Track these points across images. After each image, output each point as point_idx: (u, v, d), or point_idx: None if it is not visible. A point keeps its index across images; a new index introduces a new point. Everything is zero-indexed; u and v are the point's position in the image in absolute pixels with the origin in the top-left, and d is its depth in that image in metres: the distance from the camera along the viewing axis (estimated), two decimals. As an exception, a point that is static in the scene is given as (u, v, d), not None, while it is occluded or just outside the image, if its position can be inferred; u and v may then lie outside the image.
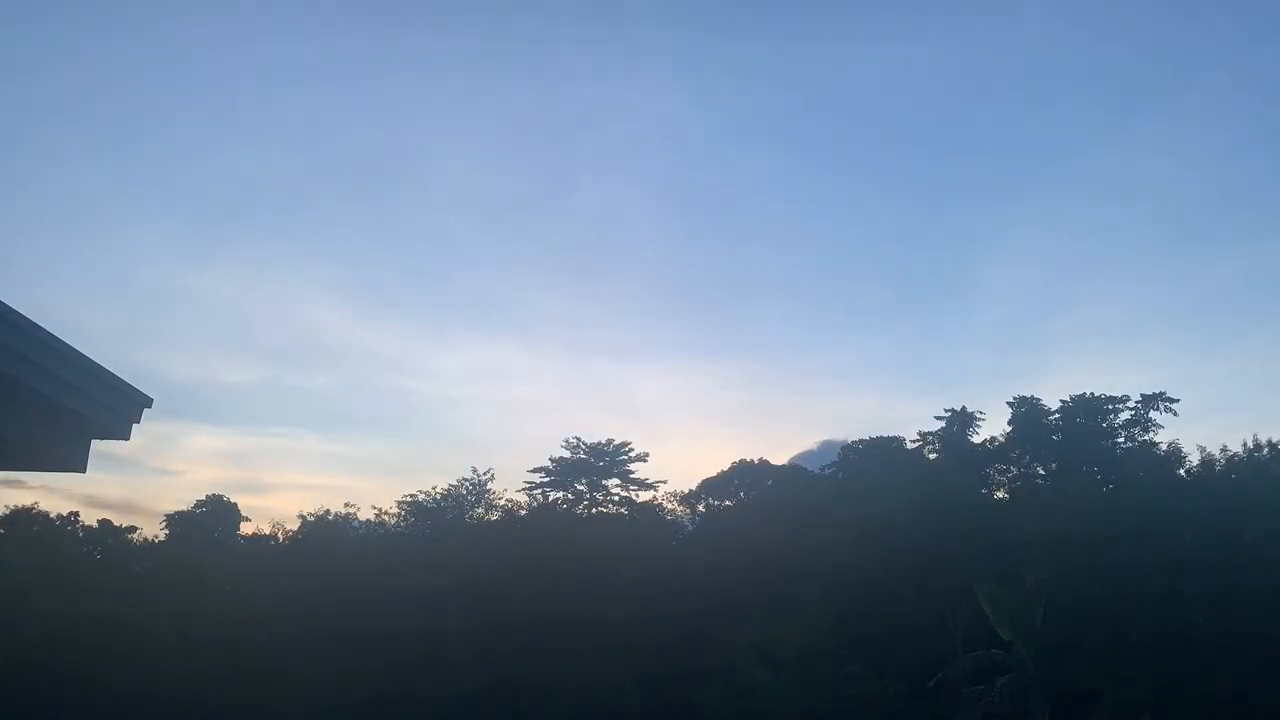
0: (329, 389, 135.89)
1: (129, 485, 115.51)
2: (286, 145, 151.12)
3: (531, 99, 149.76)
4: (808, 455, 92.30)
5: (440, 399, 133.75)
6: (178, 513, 71.87)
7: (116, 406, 6.09)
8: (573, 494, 69.01)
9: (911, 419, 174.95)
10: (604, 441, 69.09)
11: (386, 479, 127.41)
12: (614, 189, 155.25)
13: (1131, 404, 65.31)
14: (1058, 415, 66.35)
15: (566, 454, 68.89)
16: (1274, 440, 56.81)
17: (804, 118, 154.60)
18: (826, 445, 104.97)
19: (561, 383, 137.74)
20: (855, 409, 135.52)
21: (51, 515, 69.21)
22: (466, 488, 68.80)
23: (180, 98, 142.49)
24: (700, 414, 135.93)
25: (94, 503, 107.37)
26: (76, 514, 71.56)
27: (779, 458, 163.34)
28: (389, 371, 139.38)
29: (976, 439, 68.68)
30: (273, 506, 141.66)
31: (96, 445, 6.40)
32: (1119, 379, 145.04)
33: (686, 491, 72.94)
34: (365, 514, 70.57)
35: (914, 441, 70.58)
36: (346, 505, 71.96)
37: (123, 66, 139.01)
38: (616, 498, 69.27)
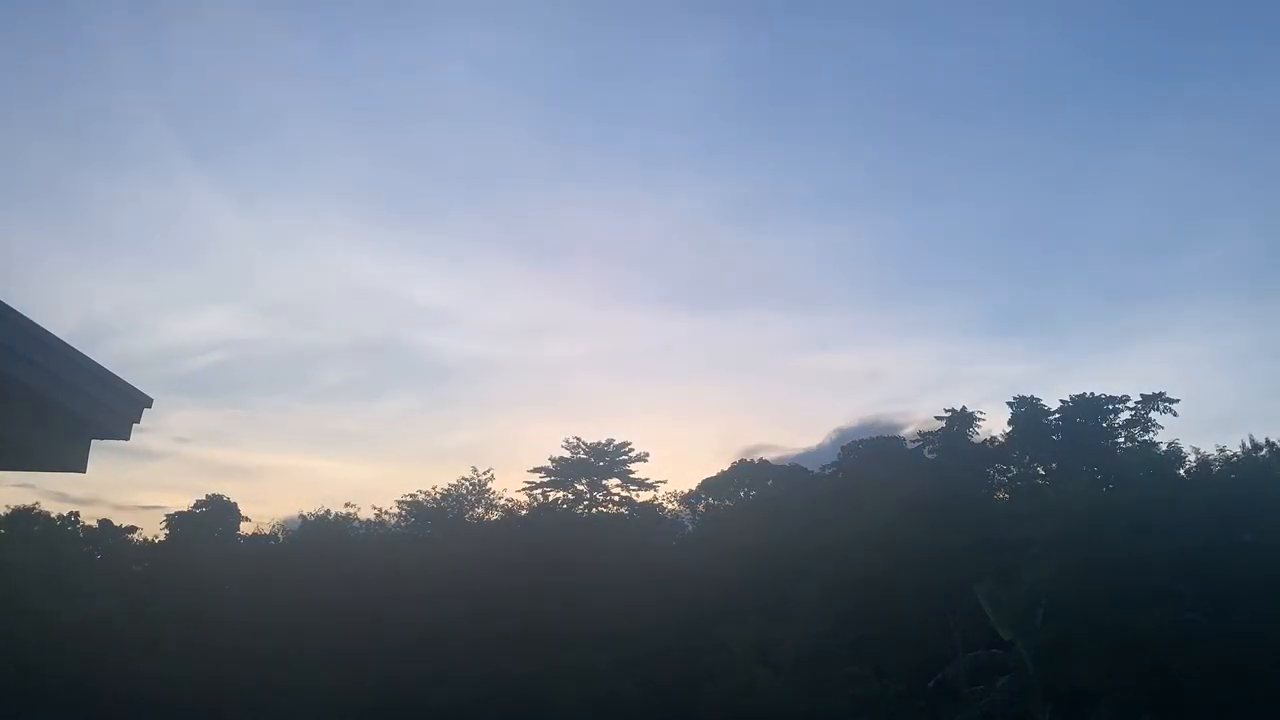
0: (328, 349, 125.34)
1: (109, 473, 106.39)
2: (281, 47, 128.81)
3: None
4: (847, 432, 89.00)
5: (455, 359, 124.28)
6: (178, 513, 72.01)
7: (116, 407, 6.10)
8: (573, 494, 69.06)
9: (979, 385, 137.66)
10: (604, 441, 69.16)
11: (388, 464, 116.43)
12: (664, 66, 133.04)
13: (1131, 404, 65.52)
14: (1058, 415, 66.52)
15: (567, 454, 68.98)
16: (1272, 440, 56.97)
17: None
18: (865, 425, 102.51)
19: (584, 338, 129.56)
20: (913, 378, 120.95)
21: (52, 515, 69.28)
22: (466, 487, 68.92)
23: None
24: (733, 380, 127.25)
25: (65, 499, 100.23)
26: (76, 514, 71.56)
27: (816, 434, 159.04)
28: (394, 325, 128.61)
29: (977, 439, 68.81)
30: (269, 494, 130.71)
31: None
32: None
33: (686, 492, 73.17)
34: (365, 514, 70.75)
35: (914, 441, 70.88)
36: (346, 505, 72.06)
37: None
38: (616, 498, 69.34)
